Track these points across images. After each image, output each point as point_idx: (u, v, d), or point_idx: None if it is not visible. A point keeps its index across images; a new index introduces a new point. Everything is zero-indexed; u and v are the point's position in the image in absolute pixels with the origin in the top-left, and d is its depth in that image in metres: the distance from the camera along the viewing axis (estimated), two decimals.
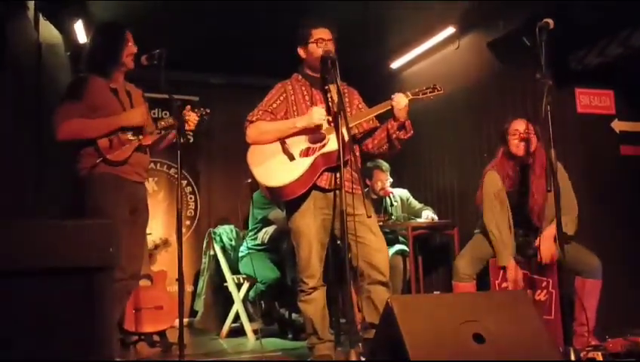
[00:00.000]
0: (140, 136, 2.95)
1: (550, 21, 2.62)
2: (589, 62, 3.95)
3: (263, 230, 4.53)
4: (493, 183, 3.43)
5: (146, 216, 3.06)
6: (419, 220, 4.55)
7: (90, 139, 2.82)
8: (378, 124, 3.12)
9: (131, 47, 2.99)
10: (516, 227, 3.40)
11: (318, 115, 2.89)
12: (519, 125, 3.40)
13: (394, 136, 2.99)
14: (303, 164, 2.87)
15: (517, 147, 3.38)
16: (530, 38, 2.87)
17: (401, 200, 4.74)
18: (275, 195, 2.93)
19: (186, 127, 3.07)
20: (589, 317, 3.09)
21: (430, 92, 3.01)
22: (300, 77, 3.09)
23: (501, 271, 3.37)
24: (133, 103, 3.02)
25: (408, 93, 2.96)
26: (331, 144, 2.88)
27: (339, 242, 3.12)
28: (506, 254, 3.31)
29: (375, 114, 3.01)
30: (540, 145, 3.35)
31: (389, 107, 2.95)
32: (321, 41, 2.95)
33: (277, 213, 4.44)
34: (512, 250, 3.33)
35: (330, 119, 2.91)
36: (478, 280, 3.46)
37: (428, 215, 4.56)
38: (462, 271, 3.40)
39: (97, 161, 2.82)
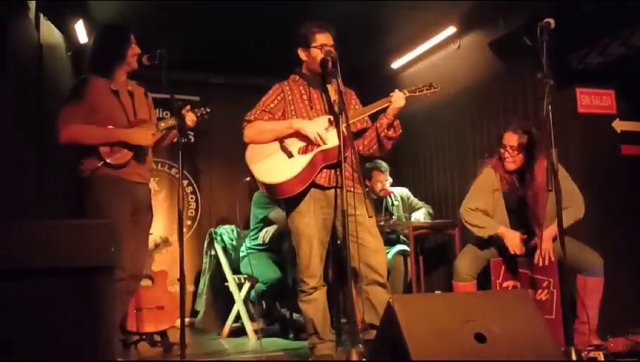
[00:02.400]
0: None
1: (551, 21, 2.62)
2: (590, 61, 3.95)
3: (264, 230, 4.53)
4: (489, 180, 3.44)
5: (149, 217, 3.07)
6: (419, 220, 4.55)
7: (90, 145, 2.85)
8: (371, 125, 3.11)
9: (135, 48, 3.01)
10: (516, 228, 3.40)
11: (315, 129, 2.86)
12: (507, 140, 3.37)
13: (382, 134, 2.98)
14: (301, 161, 2.87)
15: (504, 160, 3.39)
16: (532, 37, 2.86)
17: (402, 199, 4.74)
18: (273, 193, 2.92)
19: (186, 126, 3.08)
20: (591, 316, 3.08)
21: (427, 90, 3.01)
22: (298, 77, 3.08)
23: (502, 271, 3.37)
24: (135, 104, 3.02)
25: (405, 91, 2.95)
26: (330, 141, 2.87)
27: (339, 242, 3.12)
28: (488, 228, 3.33)
29: (372, 111, 2.99)
30: (541, 157, 3.31)
31: (387, 104, 2.94)
32: (324, 46, 2.94)
33: (278, 213, 4.44)
34: (495, 222, 3.35)
35: (332, 118, 2.91)
36: (478, 280, 3.45)
37: (419, 218, 4.55)
38: (462, 271, 3.40)
39: (99, 165, 2.85)
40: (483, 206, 3.42)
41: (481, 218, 3.39)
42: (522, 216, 3.39)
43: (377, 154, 3.12)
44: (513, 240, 3.27)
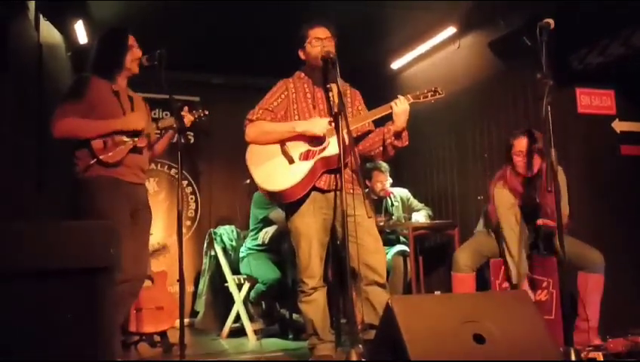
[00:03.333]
0: (135, 138, 2.94)
1: (551, 21, 2.62)
2: (590, 62, 3.95)
3: (264, 230, 4.53)
4: (505, 199, 3.38)
5: (148, 217, 3.05)
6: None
7: (85, 138, 2.81)
8: (373, 128, 3.09)
9: (136, 52, 2.98)
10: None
11: (319, 126, 2.87)
12: (522, 145, 3.36)
13: (388, 141, 2.95)
14: (302, 169, 2.86)
15: (522, 168, 3.36)
16: (531, 37, 2.87)
17: (402, 200, 4.74)
18: (274, 198, 2.94)
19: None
20: (592, 313, 3.09)
21: (432, 95, 2.95)
22: (303, 75, 3.08)
23: (502, 271, 3.37)
24: (134, 107, 3.01)
25: (409, 97, 2.90)
26: (331, 148, 2.86)
27: (338, 242, 3.12)
28: (518, 275, 3.29)
29: (374, 118, 2.97)
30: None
31: (389, 111, 2.90)
32: (316, 40, 2.94)
33: (277, 213, 4.43)
34: (524, 270, 3.31)
35: (332, 119, 2.91)
36: (477, 277, 3.45)
37: (418, 219, 4.54)
38: (462, 262, 3.41)
39: (91, 163, 2.81)
40: (518, 234, 3.36)
41: (522, 259, 3.31)
42: (533, 222, 3.38)
43: (378, 158, 3.10)
44: None
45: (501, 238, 3.38)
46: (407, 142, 2.99)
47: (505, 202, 3.39)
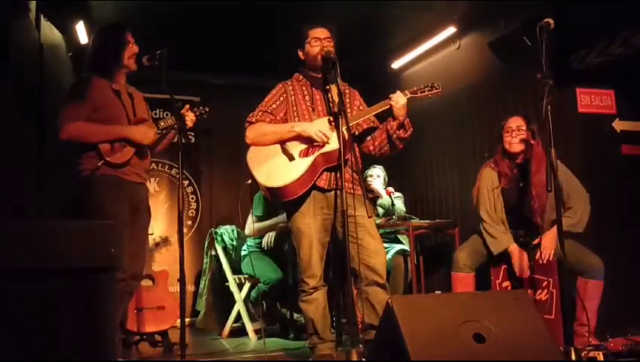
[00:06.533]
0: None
1: (551, 21, 2.62)
2: (590, 61, 3.95)
3: (267, 234, 4.52)
4: (489, 180, 3.44)
5: (147, 217, 3.07)
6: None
7: (92, 143, 2.84)
8: (378, 124, 3.11)
9: (132, 48, 2.99)
10: (517, 228, 3.40)
11: (317, 128, 2.87)
12: (513, 122, 3.42)
13: (394, 136, 2.99)
14: (302, 164, 2.87)
15: (509, 144, 3.39)
16: (531, 37, 2.87)
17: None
18: (275, 196, 2.93)
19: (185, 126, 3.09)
20: (590, 318, 3.09)
21: (429, 90, 2.99)
22: (301, 77, 3.09)
23: (502, 271, 3.37)
24: (135, 105, 3.03)
25: (406, 92, 2.94)
26: (331, 144, 2.87)
27: (339, 242, 3.12)
28: (500, 242, 3.32)
29: (373, 113, 3.00)
30: (537, 142, 3.36)
31: (388, 106, 2.94)
32: (316, 40, 2.96)
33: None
34: (509, 237, 3.33)
35: (332, 118, 2.91)
36: (478, 277, 3.46)
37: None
38: (461, 261, 3.41)
39: (99, 164, 2.84)
40: (493, 210, 3.40)
41: (498, 230, 3.36)
42: (522, 211, 3.39)
43: (389, 153, 3.11)
44: (520, 265, 3.28)
45: (478, 218, 3.43)
46: (411, 130, 3.01)
47: (487, 182, 3.44)
